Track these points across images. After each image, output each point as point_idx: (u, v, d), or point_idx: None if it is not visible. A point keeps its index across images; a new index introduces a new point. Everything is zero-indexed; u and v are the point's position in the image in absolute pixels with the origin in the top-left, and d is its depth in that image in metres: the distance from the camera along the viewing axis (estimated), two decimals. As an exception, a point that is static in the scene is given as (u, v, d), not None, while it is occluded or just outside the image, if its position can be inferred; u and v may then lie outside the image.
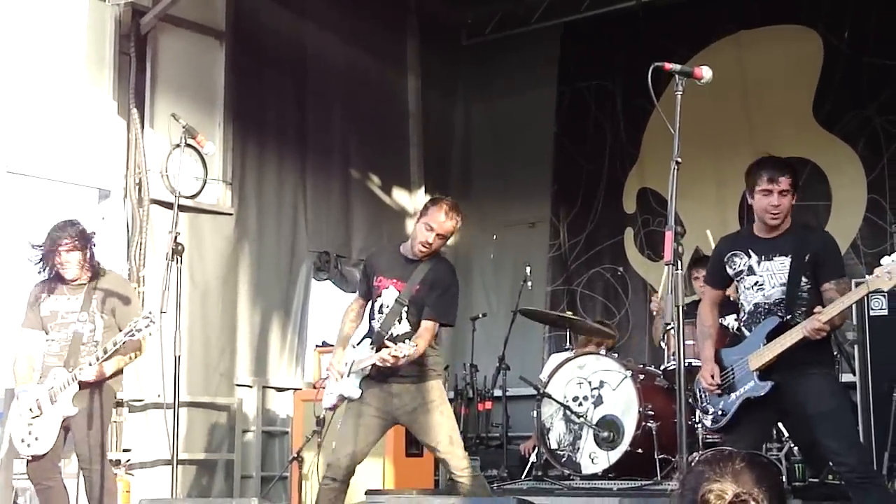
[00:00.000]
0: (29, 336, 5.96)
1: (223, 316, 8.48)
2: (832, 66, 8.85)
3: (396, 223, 10.24)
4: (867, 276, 4.67)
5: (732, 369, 4.96)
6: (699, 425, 6.65)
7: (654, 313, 7.87)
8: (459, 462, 5.52)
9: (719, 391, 4.99)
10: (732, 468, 2.24)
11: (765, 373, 4.83)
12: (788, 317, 4.84)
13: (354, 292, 6.17)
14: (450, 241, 10.33)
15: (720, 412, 4.99)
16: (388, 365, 5.32)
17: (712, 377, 5.00)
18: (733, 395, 4.94)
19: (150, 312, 5.54)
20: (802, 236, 4.99)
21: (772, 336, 4.83)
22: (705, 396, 5.09)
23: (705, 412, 5.08)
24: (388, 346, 5.37)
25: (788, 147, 8.83)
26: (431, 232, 5.50)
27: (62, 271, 5.85)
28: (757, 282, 4.99)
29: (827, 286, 4.81)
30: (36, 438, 5.76)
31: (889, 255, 4.65)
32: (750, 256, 5.00)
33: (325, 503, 5.53)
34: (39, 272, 5.93)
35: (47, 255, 5.85)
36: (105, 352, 5.64)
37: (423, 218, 5.54)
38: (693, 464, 2.33)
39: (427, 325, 5.50)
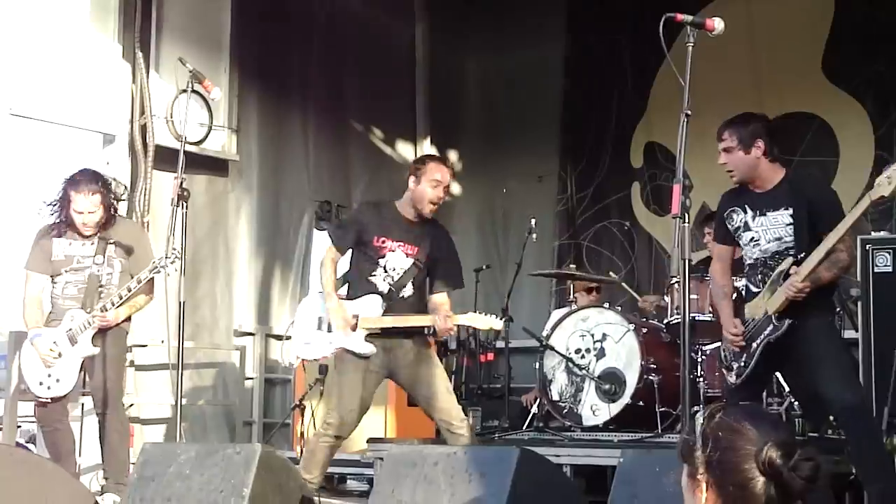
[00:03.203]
0: (35, 279, 5.95)
1: (225, 263, 8.49)
2: (843, 20, 8.73)
3: (399, 174, 10.14)
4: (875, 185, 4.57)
5: (753, 320, 4.96)
6: (701, 380, 6.70)
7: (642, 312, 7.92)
8: (459, 412, 5.57)
9: (743, 343, 4.99)
10: (772, 421, 2.16)
11: (781, 314, 4.83)
12: (802, 255, 4.79)
13: None
14: (456, 192, 10.45)
15: (742, 364, 4.97)
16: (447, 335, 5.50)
17: (735, 327, 5.00)
18: (754, 345, 4.93)
19: (174, 249, 5.54)
20: (798, 187, 4.97)
21: (786, 279, 4.81)
22: (729, 355, 5.07)
23: (729, 370, 5.05)
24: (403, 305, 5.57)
25: (796, 102, 8.79)
26: (440, 186, 5.57)
27: (80, 222, 5.83)
28: (752, 237, 5.00)
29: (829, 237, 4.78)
30: (57, 380, 5.79)
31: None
32: (746, 212, 5.02)
33: (324, 458, 5.56)
34: (52, 214, 5.91)
35: (63, 206, 5.83)
36: (129, 290, 5.68)
37: (425, 176, 5.56)
38: (722, 420, 2.16)
39: (446, 298, 5.69)
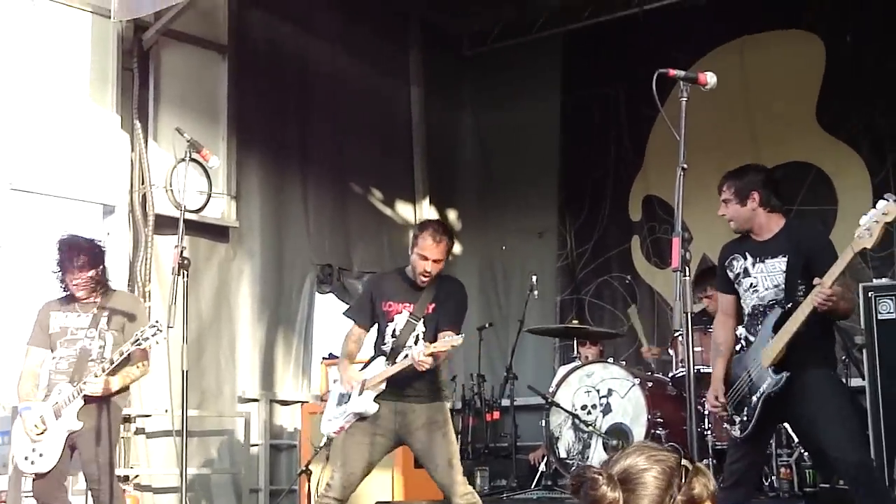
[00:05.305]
0: (35, 353, 5.92)
1: (228, 330, 8.47)
2: (835, 70, 8.83)
3: (399, 235, 10.22)
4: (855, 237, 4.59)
5: (748, 373, 4.93)
6: (709, 432, 6.65)
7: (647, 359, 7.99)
8: (458, 488, 5.52)
9: (725, 412, 4.99)
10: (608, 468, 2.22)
11: (778, 366, 4.79)
12: (790, 305, 4.82)
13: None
14: (456, 251, 10.46)
15: (745, 417, 4.93)
16: (426, 366, 5.33)
17: (716, 398, 5.01)
18: (754, 398, 4.88)
19: (156, 321, 5.54)
20: (796, 234, 5.02)
21: (778, 328, 4.82)
22: (730, 408, 5.02)
23: (732, 423, 5.00)
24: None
25: (792, 152, 8.84)
26: (427, 261, 5.58)
27: (74, 290, 5.84)
28: (752, 283, 5.02)
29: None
30: (40, 455, 5.70)
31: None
32: (746, 259, 5.06)
33: None
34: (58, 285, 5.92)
35: (61, 273, 5.84)
36: (111, 363, 5.63)
37: (416, 249, 5.62)
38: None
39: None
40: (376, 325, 5.80)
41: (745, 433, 4.93)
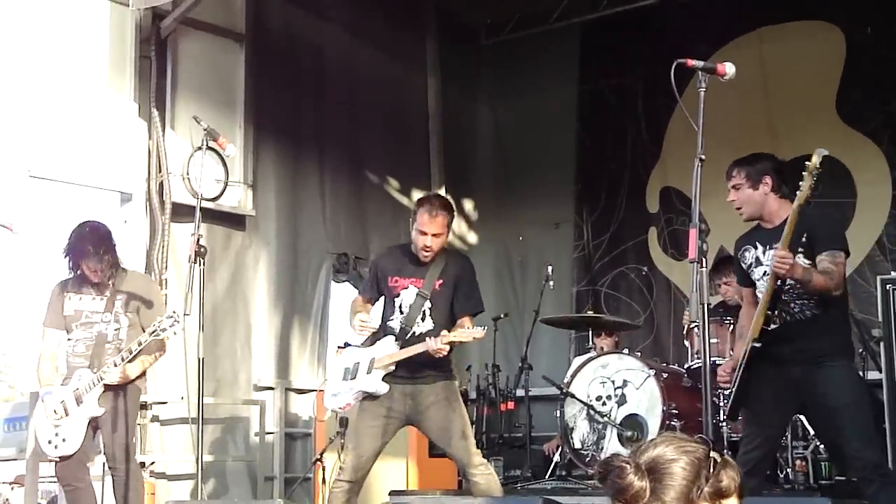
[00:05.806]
0: (51, 335, 5.97)
1: (243, 318, 8.49)
2: (855, 61, 8.77)
3: (415, 224, 10.19)
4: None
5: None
6: (724, 424, 6.63)
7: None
8: (472, 458, 5.51)
9: (728, 380, 5.06)
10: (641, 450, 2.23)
11: (759, 339, 4.84)
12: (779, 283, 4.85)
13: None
14: (472, 241, 10.45)
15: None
16: (442, 354, 5.35)
17: (725, 371, 5.09)
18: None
19: (174, 311, 5.56)
20: (806, 220, 4.98)
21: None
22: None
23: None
24: (418, 342, 5.47)
25: (811, 144, 8.59)
26: (426, 236, 5.54)
27: (92, 276, 5.86)
28: (765, 272, 5.03)
29: (819, 258, 4.81)
30: (63, 440, 5.78)
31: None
32: (757, 248, 5.10)
33: None
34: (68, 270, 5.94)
35: (73, 261, 5.86)
36: (130, 352, 5.66)
37: (415, 224, 5.57)
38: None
39: (465, 323, 5.55)
40: (382, 300, 5.77)
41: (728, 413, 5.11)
